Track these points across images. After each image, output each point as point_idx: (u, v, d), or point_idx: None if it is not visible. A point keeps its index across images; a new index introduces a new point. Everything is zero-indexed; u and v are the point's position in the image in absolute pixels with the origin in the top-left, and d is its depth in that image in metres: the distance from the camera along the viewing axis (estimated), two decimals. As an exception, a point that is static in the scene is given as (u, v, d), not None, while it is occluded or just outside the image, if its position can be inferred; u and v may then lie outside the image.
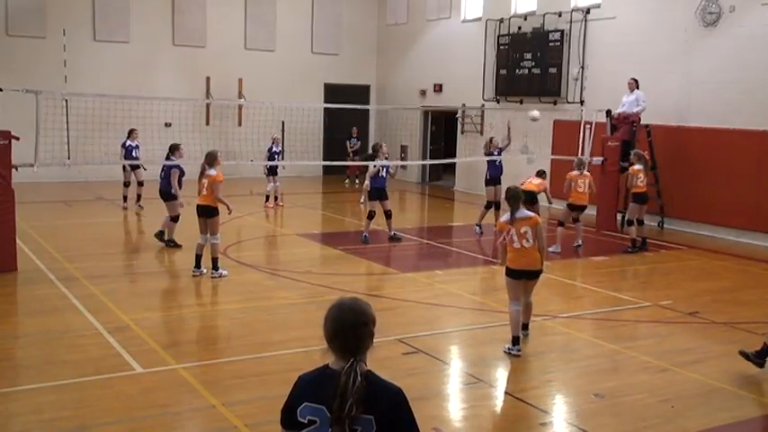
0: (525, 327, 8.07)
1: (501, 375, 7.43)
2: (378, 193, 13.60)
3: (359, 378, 2.76)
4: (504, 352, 7.69)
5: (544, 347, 8.20)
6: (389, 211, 13.67)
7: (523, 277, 7.70)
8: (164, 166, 12.72)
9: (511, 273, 7.71)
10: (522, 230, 7.57)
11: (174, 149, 12.69)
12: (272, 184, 17.33)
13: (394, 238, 13.72)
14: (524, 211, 7.68)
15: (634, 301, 10.05)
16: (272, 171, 17.27)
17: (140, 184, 16.33)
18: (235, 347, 7.97)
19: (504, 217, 7.80)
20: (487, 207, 14.90)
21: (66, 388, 6.50)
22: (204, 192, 10.45)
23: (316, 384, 2.88)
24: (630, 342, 8.37)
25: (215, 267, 10.53)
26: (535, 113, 15.15)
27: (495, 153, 14.95)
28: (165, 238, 12.52)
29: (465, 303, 9.79)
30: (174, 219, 12.42)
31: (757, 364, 7.30)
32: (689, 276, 11.77)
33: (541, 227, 7.77)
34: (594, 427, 6.06)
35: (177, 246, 12.36)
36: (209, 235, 10.50)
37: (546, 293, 10.47)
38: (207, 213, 10.47)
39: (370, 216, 13.63)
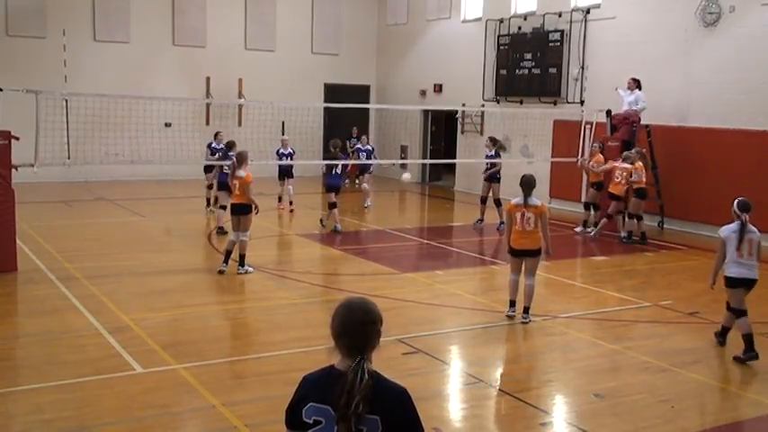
0: (526, 311, 8.78)
1: (501, 375, 7.44)
2: (331, 188, 14.59)
3: (366, 376, 2.77)
4: (506, 316, 8.81)
5: (544, 347, 8.22)
6: (334, 203, 14.47)
7: (523, 256, 8.68)
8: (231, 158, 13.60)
9: (512, 251, 8.76)
10: (528, 216, 8.55)
11: (232, 146, 13.70)
12: (289, 187, 16.68)
13: (335, 230, 14.35)
14: (534, 199, 8.66)
15: (634, 301, 10.05)
16: (285, 173, 16.62)
17: (211, 186, 16.25)
18: (235, 347, 7.98)
19: (517, 200, 8.70)
20: (482, 202, 15.63)
21: (66, 388, 6.50)
22: (237, 192, 10.92)
23: (321, 384, 2.88)
24: (630, 342, 8.38)
25: (241, 264, 10.84)
26: (406, 176, 16.82)
27: (493, 154, 15.50)
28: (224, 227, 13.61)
29: (465, 303, 9.79)
30: (224, 207, 13.34)
31: (752, 358, 7.57)
32: (689, 276, 11.76)
33: (547, 215, 8.69)
34: (594, 427, 6.06)
35: (225, 233, 13.24)
36: (240, 232, 10.91)
37: (546, 293, 10.48)
38: (241, 211, 10.90)
39: (332, 206, 14.51)
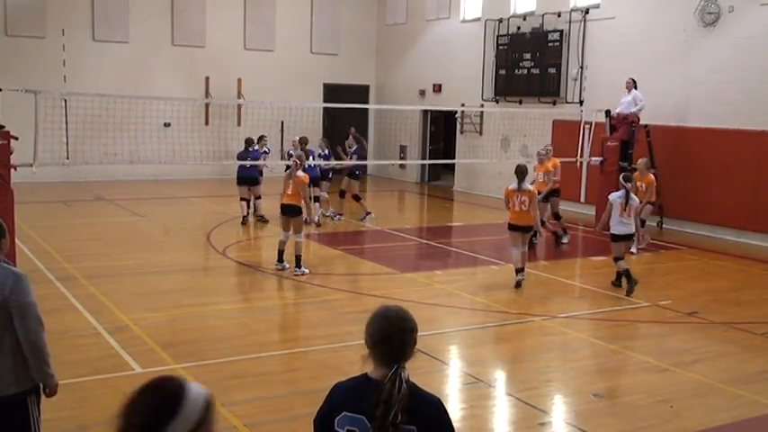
0: (522, 270, 10.42)
1: (500, 375, 7.45)
2: (312, 180, 14.85)
3: (403, 385, 2.71)
4: (516, 283, 10.35)
5: (544, 347, 8.22)
6: (317, 197, 15.00)
7: (519, 230, 10.45)
8: (253, 155, 15.07)
9: (511, 227, 10.56)
10: (522, 198, 10.29)
11: (258, 141, 15.28)
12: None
13: (317, 223, 15.01)
14: (527, 185, 10.43)
15: (633, 301, 10.04)
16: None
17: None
18: (234, 347, 7.97)
19: (512, 185, 10.39)
20: (341, 195, 16.11)
21: (65, 388, 6.43)
22: (289, 191, 11.03)
23: (356, 393, 2.81)
24: (630, 342, 8.39)
25: (298, 265, 10.91)
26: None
27: (326, 154, 15.89)
28: (262, 215, 15.05)
29: (464, 303, 9.80)
30: (258, 197, 15.16)
31: (632, 286, 10.05)
32: (688, 276, 11.77)
33: (536, 198, 10.52)
34: (593, 427, 6.07)
35: (266, 221, 14.80)
36: (291, 233, 11.04)
37: (546, 293, 10.50)
38: (293, 212, 11.05)
39: (315, 200, 14.89)
